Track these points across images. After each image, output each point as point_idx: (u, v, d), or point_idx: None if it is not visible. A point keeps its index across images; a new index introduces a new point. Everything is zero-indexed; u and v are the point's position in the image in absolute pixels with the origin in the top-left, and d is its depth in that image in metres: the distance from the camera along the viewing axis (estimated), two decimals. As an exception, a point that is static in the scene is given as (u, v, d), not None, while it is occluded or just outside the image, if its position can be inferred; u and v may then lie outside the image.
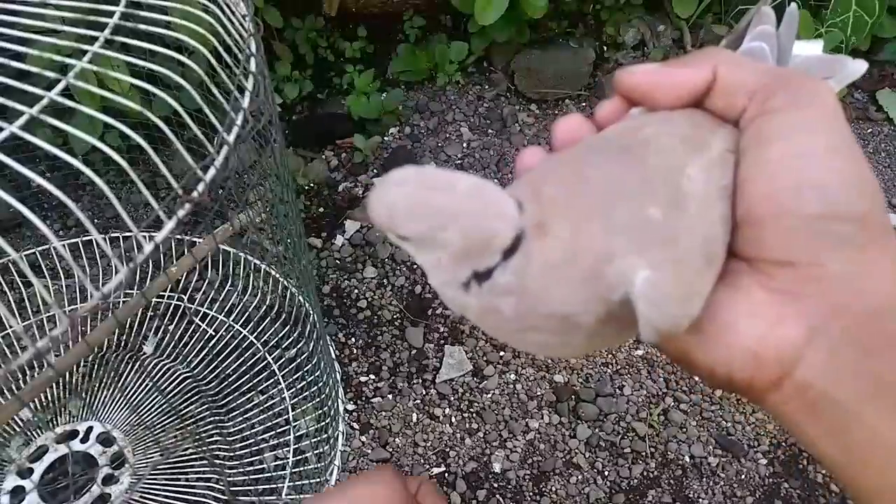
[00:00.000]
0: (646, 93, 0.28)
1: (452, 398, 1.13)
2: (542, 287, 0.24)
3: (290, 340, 1.00)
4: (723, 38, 0.32)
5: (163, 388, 0.99)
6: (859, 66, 0.30)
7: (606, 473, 1.06)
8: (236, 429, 0.97)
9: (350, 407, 1.11)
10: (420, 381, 1.15)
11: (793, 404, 0.24)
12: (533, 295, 0.24)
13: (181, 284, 1.09)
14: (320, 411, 0.99)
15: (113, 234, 1.16)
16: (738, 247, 0.26)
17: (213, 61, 0.55)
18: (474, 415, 1.12)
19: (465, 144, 1.49)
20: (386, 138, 1.49)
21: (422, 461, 1.07)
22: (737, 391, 0.26)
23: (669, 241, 0.24)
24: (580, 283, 0.24)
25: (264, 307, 1.04)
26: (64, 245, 1.11)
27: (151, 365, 1.03)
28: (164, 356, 1.06)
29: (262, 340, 1.04)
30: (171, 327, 1.08)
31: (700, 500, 1.05)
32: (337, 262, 1.29)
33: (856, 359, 0.23)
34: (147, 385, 1.00)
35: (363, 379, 1.15)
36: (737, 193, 0.25)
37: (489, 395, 1.13)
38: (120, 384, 1.01)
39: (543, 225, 0.24)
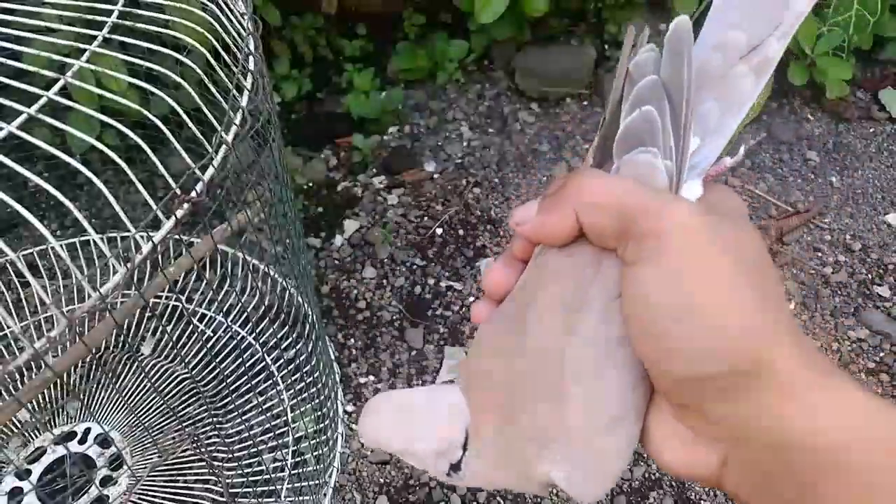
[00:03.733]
0: (534, 240, 0.29)
1: (452, 399, 1.12)
2: (495, 480, 0.30)
3: (288, 341, 0.99)
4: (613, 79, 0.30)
5: (161, 389, 0.99)
6: (802, 4, 0.27)
7: (607, 475, 1.06)
8: (235, 430, 0.97)
9: (349, 408, 1.11)
10: (420, 382, 1.14)
11: (736, 500, 0.27)
12: (495, 482, 0.30)
13: (179, 285, 1.08)
14: (319, 413, 0.99)
15: (111, 234, 1.15)
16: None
17: (211, 60, 0.55)
18: (474, 416, 1.11)
19: (465, 143, 1.48)
20: (385, 137, 1.48)
21: (422, 462, 1.06)
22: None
23: (573, 429, 0.27)
24: (518, 481, 0.29)
25: (263, 308, 1.03)
26: (61, 245, 1.10)
27: (149, 366, 1.03)
28: (162, 357, 1.05)
29: (261, 341, 1.03)
30: (169, 328, 1.08)
31: (702, 501, 1.04)
32: (336, 262, 1.28)
33: (764, 484, 0.25)
34: (145, 386, 0.99)
35: (362, 380, 1.14)
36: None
37: (489, 396, 1.13)
38: (118, 385, 1.00)
39: (475, 426, 0.29)
